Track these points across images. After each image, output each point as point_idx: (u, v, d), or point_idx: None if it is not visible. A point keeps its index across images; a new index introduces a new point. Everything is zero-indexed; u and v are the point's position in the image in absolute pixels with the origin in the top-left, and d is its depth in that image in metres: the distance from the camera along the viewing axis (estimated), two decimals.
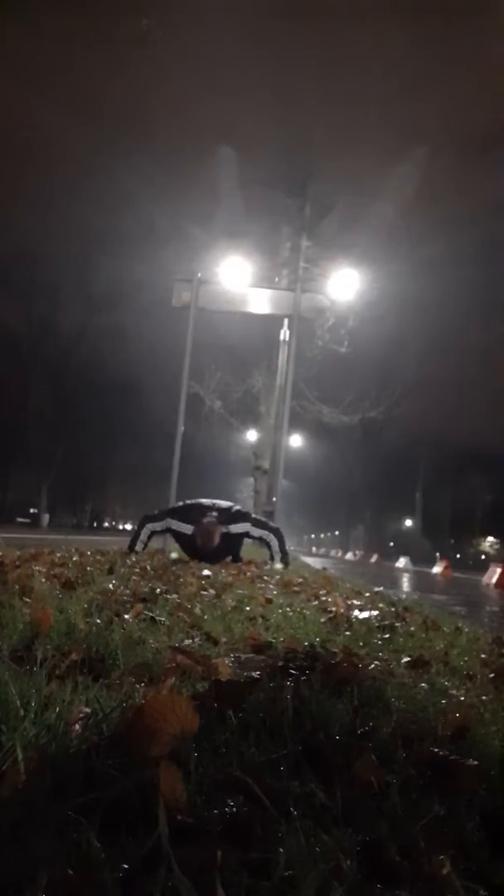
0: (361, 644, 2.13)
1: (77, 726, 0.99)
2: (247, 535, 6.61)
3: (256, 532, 6.64)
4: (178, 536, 6.62)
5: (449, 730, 1.21)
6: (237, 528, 6.46)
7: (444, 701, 1.44)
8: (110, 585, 2.90)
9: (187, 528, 6.36)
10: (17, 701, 1.02)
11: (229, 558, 7.00)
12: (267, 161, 20.66)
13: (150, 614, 2.11)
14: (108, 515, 69.50)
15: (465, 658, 2.17)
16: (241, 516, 6.63)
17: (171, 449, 9.18)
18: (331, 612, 2.86)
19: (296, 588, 4.18)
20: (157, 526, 6.60)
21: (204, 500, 6.61)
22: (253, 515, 6.97)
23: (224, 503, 6.69)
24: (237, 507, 6.77)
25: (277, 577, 5.06)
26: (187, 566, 5.01)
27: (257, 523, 6.73)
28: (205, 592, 3.10)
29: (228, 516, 6.45)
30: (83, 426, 42.91)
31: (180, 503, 7.02)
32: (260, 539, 6.74)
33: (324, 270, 15.30)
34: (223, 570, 4.89)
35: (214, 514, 6.36)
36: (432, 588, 11.98)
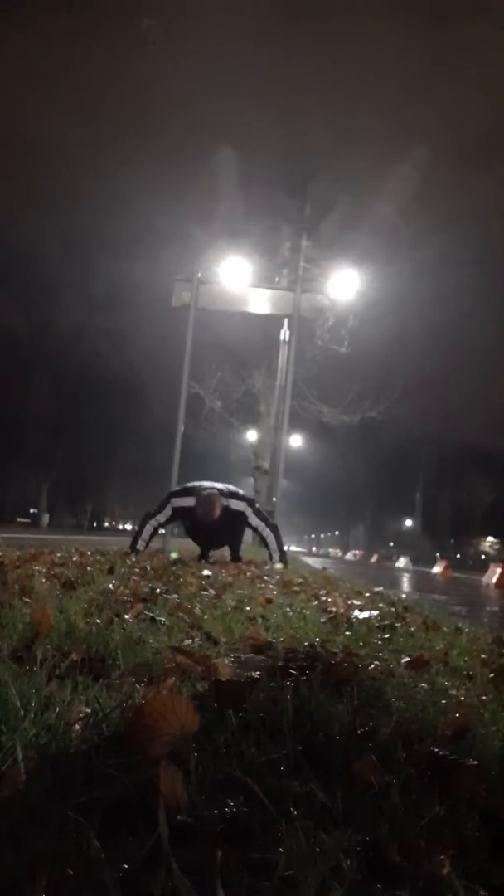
0: (361, 644, 2.13)
1: (77, 726, 0.99)
2: (245, 519, 6.61)
3: (254, 521, 6.64)
4: (183, 514, 6.61)
5: (449, 730, 1.21)
6: (237, 504, 6.48)
7: (444, 701, 1.43)
8: (110, 585, 2.90)
9: (190, 501, 6.38)
10: (17, 701, 1.02)
11: (228, 553, 7.02)
12: (267, 161, 20.71)
13: (150, 614, 2.11)
14: (108, 515, 69.49)
15: (465, 658, 2.17)
16: (241, 497, 6.66)
17: (171, 449, 9.17)
18: (331, 612, 2.86)
19: (296, 588, 4.18)
20: (161, 517, 6.57)
21: (204, 483, 6.64)
22: (256, 504, 6.97)
23: (223, 485, 6.72)
24: (236, 490, 6.80)
25: (277, 577, 5.06)
26: (187, 566, 5.01)
27: (256, 512, 6.73)
28: (205, 592, 3.10)
29: (228, 493, 6.49)
30: (83, 426, 42.87)
31: (178, 487, 7.04)
32: (257, 531, 6.74)
33: (324, 270, 15.29)
34: (223, 570, 4.89)
35: (216, 489, 6.41)
36: (432, 588, 11.98)
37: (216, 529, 6.51)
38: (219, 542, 7.08)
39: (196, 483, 6.66)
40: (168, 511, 6.56)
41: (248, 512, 6.59)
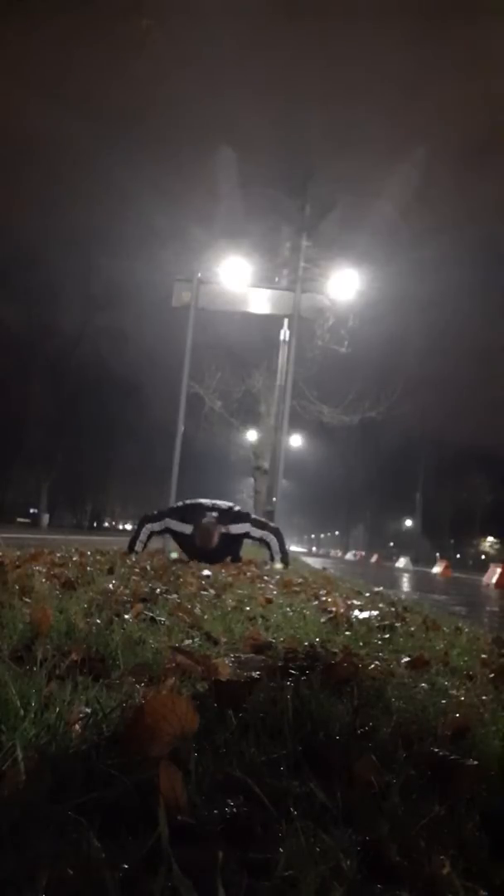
0: (361, 644, 2.13)
1: (77, 726, 0.99)
2: (247, 535, 6.61)
3: (257, 533, 6.64)
4: (178, 536, 6.61)
5: (449, 730, 1.21)
6: (237, 528, 6.45)
7: (444, 701, 1.43)
8: (110, 585, 2.90)
9: (186, 528, 6.35)
10: (17, 701, 1.02)
11: (228, 558, 7.00)
12: (267, 161, 20.70)
13: (150, 614, 2.11)
14: (108, 515, 69.46)
15: (465, 658, 2.17)
16: (242, 517, 6.62)
17: (171, 449, 9.18)
18: (331, 612, 2.86)
19: (296, 588, 4.18)
20: (157, 526, 6.57)
21: (204, 501, 6.60)
22: (253, 516, 6.97)
23: (224, 504, 6.68)
24: (237, 508, 6.76)
25: (277, 577, 5.06)
26: (187, 566, 5.01)
27: (257, 524, 6.72)
28: (205, 592, 3.10)
29: (228, 517, 6.45)
30: (83, 426, 42.85)
31: (179, 503, 7.01)
32: (260, 539, 6.74)
33: (324, 270, 15.26)
34: (223, 570, 4.89)
35: (214, 514, 6.36)
36: (432, 588, 11.99)
37: (214, 552, 6.48)
38: (217, 560, 7.04)
39: (196, 502, 6.59)
40: (164, 526, 6.56)
41: (249, 528, 6.58)
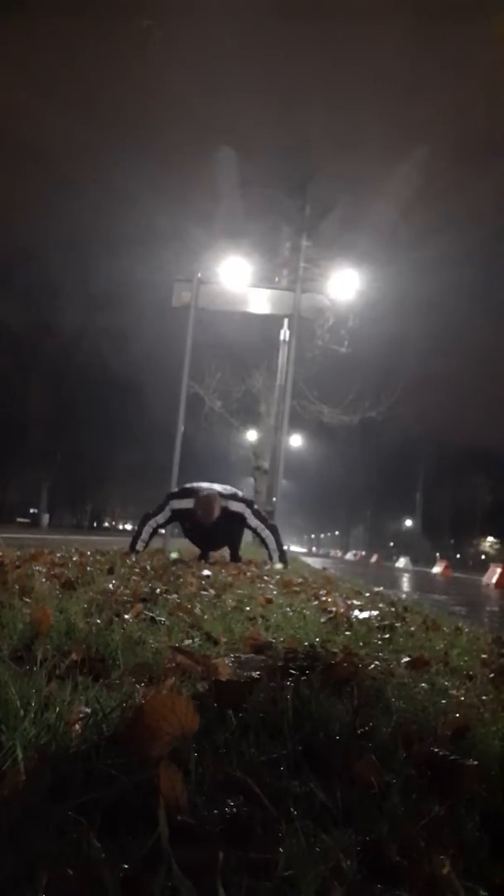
0: (361, 644, 2.13)
1: (77, 726, 0.99)
2: (244, 521, 6.62)
3: (253, 522, 6.65)
4: (182, 515, 6.63)
5: (449, 730, 1.21)
6: (235, 505, 6.51)
7: (444, 701, 1.43)
8: (110, 585, 2.90)
9: (189, 503, 6.40)
10: (17, 701, 1.02)
11: (227, 552, 7.04)
12: (267, 161, 20.69)
13: (150, 614, 2.11)
14: (108, 515, 69.54)
15: (465, 658, 2.17)
16: (240, 498, 6.67)
17: (171, 449, 9.19)
18: (331, 612, 2.86)
19: (296, 588, 4.18)
20: (160, 517, 6.59)
21: (202, 484, 6.66)
22: (254, 504, 6.99)
23: (221, 486, 6.75)
24: (235, 491, 6.82)
25: (277, 577, 5.06)
26: (187, 566, 5.01)
27: (255, 513, 6.75)
28: (205, 592, 3.10)
29: (227, 494, 6.52)
30: (83, 426, 42.87)
31: (178, 488, 7.07)
32: (256, 532, 6.75)
33: (324, 270, 15.25)
34: (223, 570, 4.89)
35: (214, 490, 6.45)
36: (432, 588, 11.99)
37: (215, 530, 6.53)
38: (218, 543, 7.10)
39: (195, 484, 6.69)
40: (167, 513, 6.58)
41: (247, 513, 6.60)
